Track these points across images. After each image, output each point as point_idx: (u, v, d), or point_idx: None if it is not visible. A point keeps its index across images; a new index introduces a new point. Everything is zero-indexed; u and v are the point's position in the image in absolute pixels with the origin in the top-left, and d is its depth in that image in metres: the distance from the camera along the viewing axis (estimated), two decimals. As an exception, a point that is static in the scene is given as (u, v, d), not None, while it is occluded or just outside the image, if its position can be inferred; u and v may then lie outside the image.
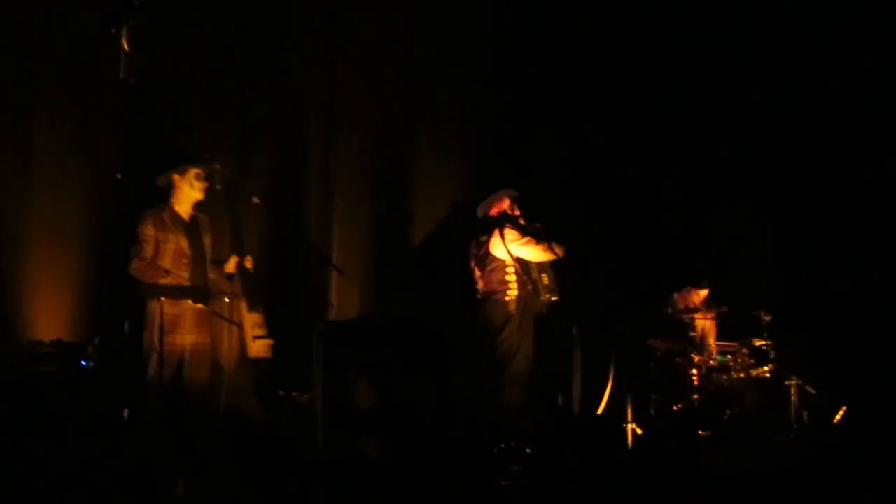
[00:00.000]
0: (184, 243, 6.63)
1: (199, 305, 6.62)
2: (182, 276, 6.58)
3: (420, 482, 6.20)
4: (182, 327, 6.52)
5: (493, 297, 7.77)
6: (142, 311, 6.53)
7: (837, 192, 8.88)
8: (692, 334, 8.58)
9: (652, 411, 8.21)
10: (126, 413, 6.29)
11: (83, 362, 6.96)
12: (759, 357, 8.28)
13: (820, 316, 8.55)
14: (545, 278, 7.84)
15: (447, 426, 7.21)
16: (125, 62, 6.25)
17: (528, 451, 6.72)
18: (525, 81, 9.11)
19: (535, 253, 7.76)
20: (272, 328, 8.04)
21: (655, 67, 9.11)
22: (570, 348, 7.66)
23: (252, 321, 7.00)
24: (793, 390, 7.96)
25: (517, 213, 7.89)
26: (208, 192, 6.79)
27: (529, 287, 7.74)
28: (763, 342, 8.27)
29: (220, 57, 8.50)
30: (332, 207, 8.79)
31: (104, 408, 6.46)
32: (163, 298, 6.47)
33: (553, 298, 7.84)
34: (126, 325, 6.56)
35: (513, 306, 7.70)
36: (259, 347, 7.00)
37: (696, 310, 8.72)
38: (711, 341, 8.74)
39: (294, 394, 7.61)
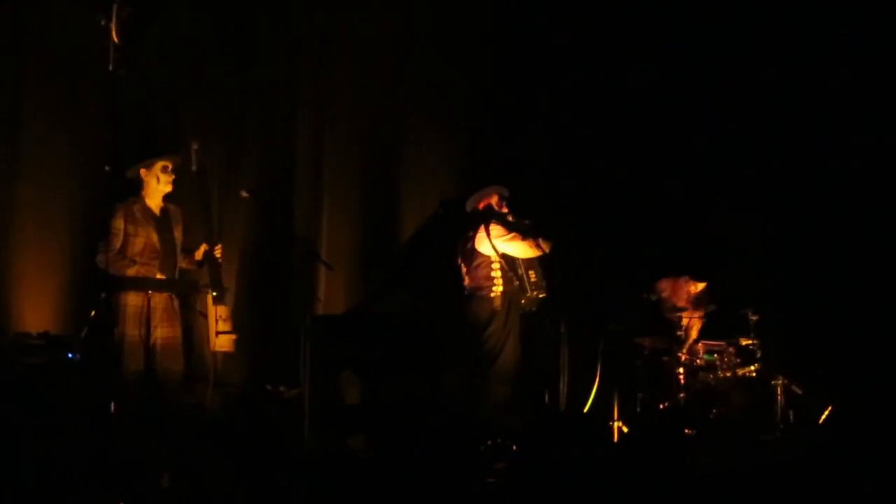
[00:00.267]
0: (154, 237, 6.65)
1: (167, 295, 6.62)
2: (151, 268, 6.58)
3: (406, 478, 6.19)
4: (151, 320, 6.51)
5: (478, 293, 7.78)
6: (110, 304, 6.52)
7: (825, 192, 8.88)
8: (679, 333, 8.59)
9: (638, 409, 8.21)
10: (113, 406, 6.30)
11: (70, 354, 6.94)
12: (746, 356, 8.27)
13: (807, 316, 8.56)
14: (532, 275, 7.85)
15: (434, 422, 7.21)
16: (115, 54, 6.23)
17: (514, 447, 6.73)
18: (515, 77, 9.09)
19: (520, 249, 7.76)
20: (263, 322, 8.08)
21: (647, 64, 9.10)
22: (557, 345, 7.68)
23: (217, 314, 6.93)
24: (779, 390, 7.97)
25: (505, 210, 7.89)
26: (181, 180, 6.77)
27: (516, 283, 7.75)
28: (750, 341, 8.28)
29: (211, 49, 8.48)
30: (320, 202, 8.77)
31: (91, 400, 6.46)
32: (130, 291, 6.46)
33: (541, 295, 7.85)
34: (95, 318, 6.57)
35: (498, 302, 7.71)
36: (223, 342, 6.94)
37: (683, 309, 8.71)
38: (694, 334, 8.73)
39: (281, 388, 7.61)
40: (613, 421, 7.53)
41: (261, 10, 8.63)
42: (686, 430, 7.85)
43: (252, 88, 8.67)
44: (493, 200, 7.91)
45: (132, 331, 6.47)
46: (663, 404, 8.35)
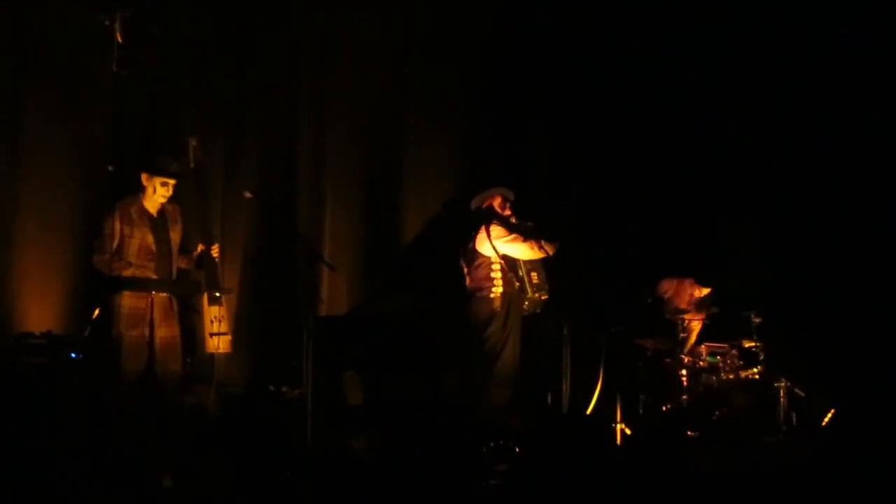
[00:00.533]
0: (149, 239, 6.62)
1: (166, 296, 6.60)
2: (146, 270, 6.56)
3: (408, 479, 6.18)
4: (147, 320, 6.49)
5: (478, 293, 7.76)
6: (106, 305, 6.51)
7: (826, 194, 8.88)
8: (682, 335, 8.58)
9: (641, 411, 8.21)
10: (113, 406, 6.29)
11: (73, 354, 6.93)
12: (749, 358, 8.29)
13: (809, 318, 8.55)
14: (535, 276, 7.82)
15: (436, 423, 7.20)
16: (118, 54, 6.22)
17: (516, 449, 6.71)
18: (516, 78, 9.09)
19: (521, 250, 7.74)
20: (265, 323, 8.07)
21: (648, 65, 9.10)
22: (559, 347, 7.66)
23: (212, 315, 6.88)
24: (782, 392, 7.98)
25: (507, 212, 7.87)
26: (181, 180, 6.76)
27: (516, 284, 7.73)
28: (752, 343, 8.28)
29: (211, 49, 8.47)
30: (323, 203, 8.77)
31: (94, 400, 6.45)
32: (125, 292, 6.45)
33: (543, 297, 7.83)
34: (98, 318, 6.56)
35: (498, 303, 7.68)
36: (217, 343, 6.91)
37: (685, 311, 8.70)
38: (693, 338, 8.73)
39: (284, 389, 7.60)
40: (616, 423, 7.51)
41: (261, 10, 8.62)
42: (689, 432, 7.86)
43: (252, 88, 8.67)
44: (496, 202, 7.88)
45: (132, 331, 6.44)
46: (666, 406, 8.35)
